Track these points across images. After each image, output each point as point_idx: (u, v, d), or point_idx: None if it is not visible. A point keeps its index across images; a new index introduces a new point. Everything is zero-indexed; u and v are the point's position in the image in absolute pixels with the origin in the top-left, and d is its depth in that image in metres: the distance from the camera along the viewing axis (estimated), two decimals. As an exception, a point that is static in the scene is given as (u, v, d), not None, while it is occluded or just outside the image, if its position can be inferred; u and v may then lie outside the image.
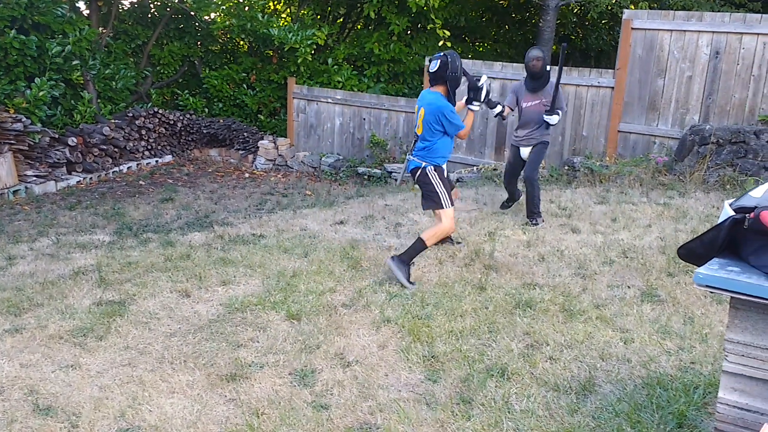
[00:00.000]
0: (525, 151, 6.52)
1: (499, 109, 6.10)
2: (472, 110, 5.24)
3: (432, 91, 5.01)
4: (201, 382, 3.45)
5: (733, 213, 2.14)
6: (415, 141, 5.18)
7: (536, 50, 6.34)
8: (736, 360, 2.14)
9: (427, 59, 5.04)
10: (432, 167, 5.04)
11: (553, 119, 6.23)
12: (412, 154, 5.16)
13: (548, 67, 6.39)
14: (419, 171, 5.07)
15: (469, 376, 3.47)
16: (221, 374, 3.52)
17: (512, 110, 6.51)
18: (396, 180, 5.57)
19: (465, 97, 5.26)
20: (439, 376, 3.50)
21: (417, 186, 5.27)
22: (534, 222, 6.39)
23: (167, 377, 3.50)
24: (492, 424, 3.02)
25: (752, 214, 2.05)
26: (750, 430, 2.13)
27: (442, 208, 5.03)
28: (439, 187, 5.03)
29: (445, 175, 5.18)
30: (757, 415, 2.15)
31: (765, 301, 1.99)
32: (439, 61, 4.90)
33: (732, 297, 2.07)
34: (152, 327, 4.15)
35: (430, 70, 4.98)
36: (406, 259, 4.92)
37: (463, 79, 5.06)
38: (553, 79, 6.41)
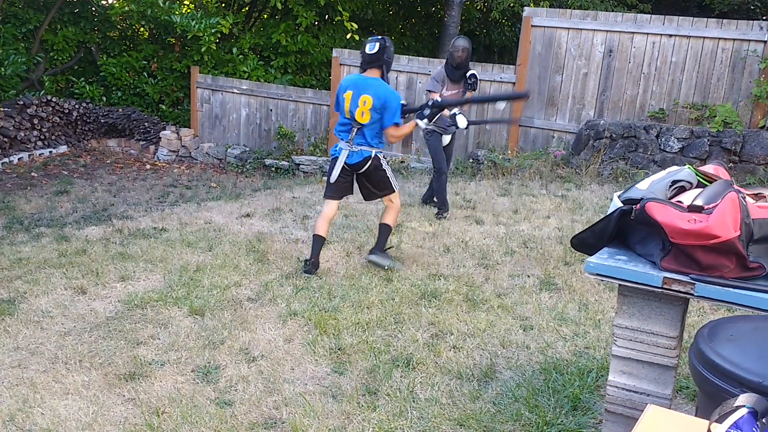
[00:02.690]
0: (446, 139, 6.68)
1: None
2: (417, 124, 4.97)
3: (368, 76, 4.81)
4: (97, 382, 3.31)
5: (621, 204, 2.26)
6: (356, 130, 4.83)
7: (462, 40, 6.41)
8: (624, 344, 2.26)
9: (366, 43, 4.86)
10: (381, 153, 4.98)
11: (462, 122, 6.07)
12: (353, 144, 4.85)
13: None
14: (370, 160, 4.90)
15: (375, 367, 3.50)
16: (119, 373, 3.39)
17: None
18: (331, 179, 4.99)
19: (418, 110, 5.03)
20: (345, 368, 3.51)
21: (363, 176, 5.02)
22: (442, 215, 6.47)
23: (61, 378, 3.34)
24: (397, 413, 3.06)
25: (638, 206, 2.16)
26: (637, 410, 2.25)
27: (394, 191, 5.09)
28: (389, 172, 5.05)
29: None
30: (643, 396, 2.27)
31: (650, 288, 2.11)
32: (377, 43, 4.76)
33: (620, 284, 2.18)
34: (45, 326, 3.94)
35: (368, 52, 4.78)
36: (382, 247, 5.07)
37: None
38: (473, 70, 6.52)
